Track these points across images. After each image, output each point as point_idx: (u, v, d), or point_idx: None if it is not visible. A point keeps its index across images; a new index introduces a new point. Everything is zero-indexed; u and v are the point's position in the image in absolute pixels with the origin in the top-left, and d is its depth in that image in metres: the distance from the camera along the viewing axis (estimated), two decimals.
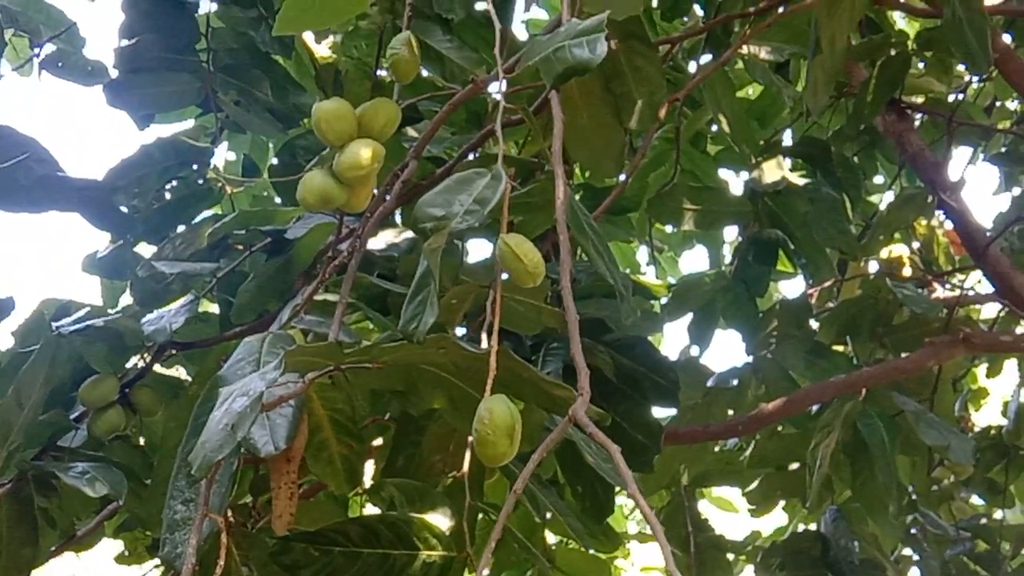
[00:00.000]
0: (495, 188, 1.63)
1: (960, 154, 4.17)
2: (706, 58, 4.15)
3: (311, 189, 1.89)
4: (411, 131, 3.17)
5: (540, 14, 4.97)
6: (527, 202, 1.96)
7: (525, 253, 1.60)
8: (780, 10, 2.99)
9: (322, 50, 4.35)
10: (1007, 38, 4.23)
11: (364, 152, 1.88)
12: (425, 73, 3.27)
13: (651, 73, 2.32)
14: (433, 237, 1.60)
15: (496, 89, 2.04)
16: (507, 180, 1.63)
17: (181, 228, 2.88)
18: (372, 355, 1.62)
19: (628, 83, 2.32)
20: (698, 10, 4.38)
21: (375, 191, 2.10)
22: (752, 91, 4.66)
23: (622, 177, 3.33)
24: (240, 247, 2.60)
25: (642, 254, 5.54)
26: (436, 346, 1.62)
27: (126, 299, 3.04)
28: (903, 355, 3.38)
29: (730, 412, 3.58)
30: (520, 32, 5.11)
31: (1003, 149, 4.10)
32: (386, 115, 1.95)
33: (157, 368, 2.57)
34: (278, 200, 3.10)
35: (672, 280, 6.05)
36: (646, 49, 2.33)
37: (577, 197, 3.98)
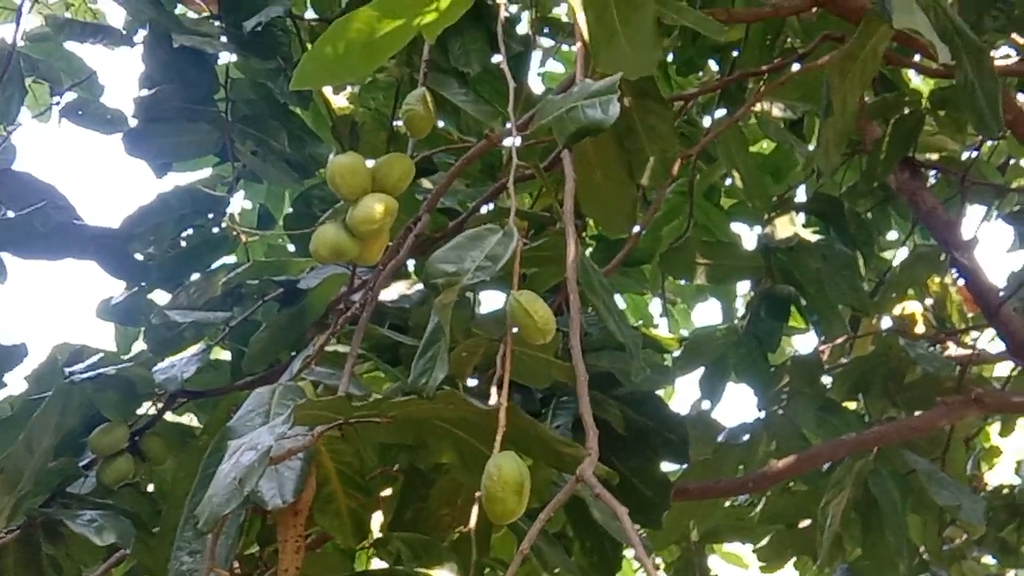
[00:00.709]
0: (507, 245, 1.64)
1: (974, 212, 4.16)
2: (720, 113, 4.19)
3: (324, 242, 1.91)
4: (426, 183, 3.19)
5: (556, 67, 5.01)
6: (539, 255, 1.97)
7: (536, 310, 1.61)
8: (795, 67, 3.02)
9: (340, 101, 4.39)
10: (1022, 98, 4.25)
11: (377, 207, 1.89)
12: (441, 124, 3.31)
13: (664, 131, 2.33)
14: (444, 293, 1.61)
15: (510, 143, 2.05)
16: (519, 237, 1.65)
17: (196, 276, 2.90)
18: (381, 409, 1.63)
19: (641, 141, 2.33)
20: (713, 65, 4.42)
21: (388, 243, 2.12)
22: (766, 145, 4.68)
23: (636, 229, 3.35)
24: (254, 296, 2.62)
25: (655, 306, 5.55)
26: (445, 402, 1.63)
27: (140, 345, 3.05)
28: (915, 414, 3.37)
29: (741, 468, 3.57)
30: (536, 85, 5.16)
31: (1017, 208, 4.11)
32: (400, 170, 1.97)
33: (168, 416, 2.58)
34: (292, 249, 3.12)
35: (685, 333, 6.06)
36: (659, 107, 2.34)
37: (591, 249, 4.03)
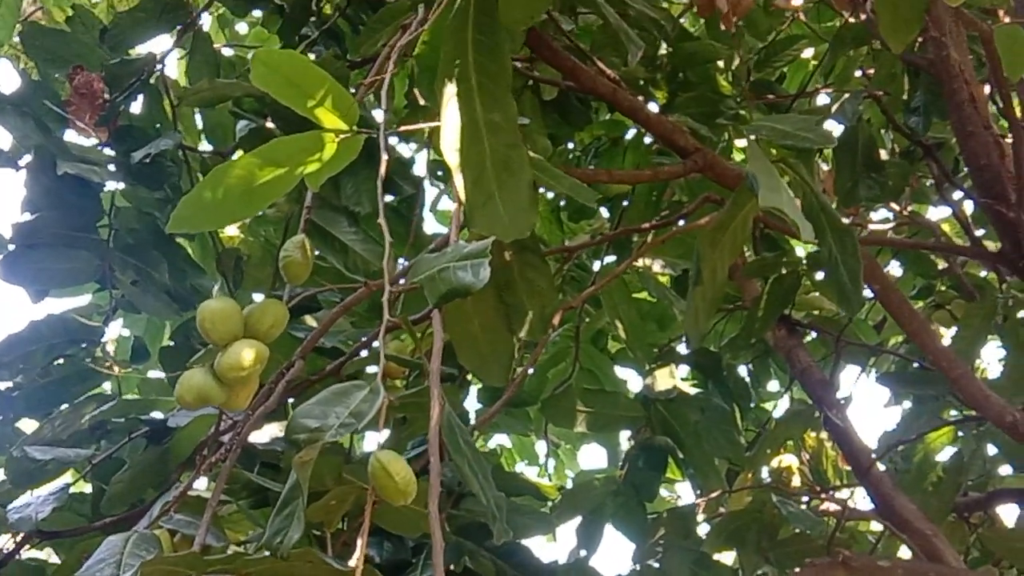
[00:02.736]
0: (372, 402, 1.64)
1: (850, 369, 4.26)
2: (609, 259, 4.27)
3: (189, 388, 1.88)
4: (310, 320, 3.18)
5: (451, 205, 5.07)
6: (416, 402, 1.96)
7: (396, 471, 1.60)
8: (681, 223, 3.10)
9: (231, 229, 4.38)
10: (896, 265, 4.42)
11: (247, 354, 1.88)
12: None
13: (543, 286, 2.36)
14: (305, 450, 1.59)
15: (396, 287, 2.05)
16: (385, 394, 1.64)
17: (64, 407, 2.83)
18: (235, 566, 1.59)
19: (520, 294, 2.36)
20: (604, 212, 4.52)
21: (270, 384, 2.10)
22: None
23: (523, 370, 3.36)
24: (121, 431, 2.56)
25: (542, 446, 5.55)
26: (302, 560, 1.60)
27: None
28: (786, 572, 3.39)
29: None
30: (431, 223, 5.20)
31: (892, 368, 4.22)
32: (274, 316, 1.96)
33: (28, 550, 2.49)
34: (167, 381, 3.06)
35: (570, 473, 6.06)
36: (539, 262, 2.38)
37: (476, 389, 4.02)
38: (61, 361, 2.85)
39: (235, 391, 1.92)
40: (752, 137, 2.04)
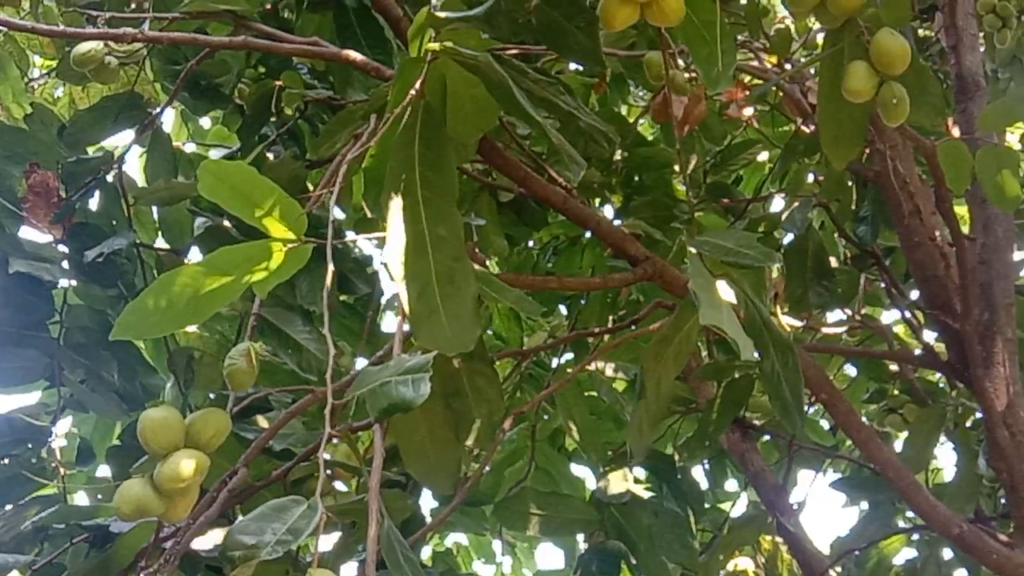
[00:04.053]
0: (310, 518, 1.62)
1: (805, 472, 4.26)
2: (568, 356, 4.28)
3: (127, 499, 1.86)
4: (261, 420, 3.16)
5: None
6: (360, 508, 1.95)
7: None
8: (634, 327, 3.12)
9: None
10: (851, 369, 4.45)
11: (186, 464, 1.86)
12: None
13: (491, 394, 2.37)
14: (240, 567, 1.57)
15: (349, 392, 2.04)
16: (323, 510, 1.63)
17: (8, 507, 2.79)
18: None
19: (468, 402, 2.36)
20: (562, 310, 4.55)
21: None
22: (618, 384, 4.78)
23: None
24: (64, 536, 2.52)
25: (498, 544, 5.51)
26: None
27: None
28: None
29: None
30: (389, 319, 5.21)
31: (846, 472, 4.23)
32: (216, 426, 1.94)
33: None
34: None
35: (527, 572, 6.00)
36: (487, 369, 2.38)
37: None
38: (6, 461, 2.82)
39: (174, 502, 1.90)
40: (694, 252, 2.07)
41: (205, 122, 5.13)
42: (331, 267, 1.93)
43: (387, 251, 1.85)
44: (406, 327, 1.98)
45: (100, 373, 2.99)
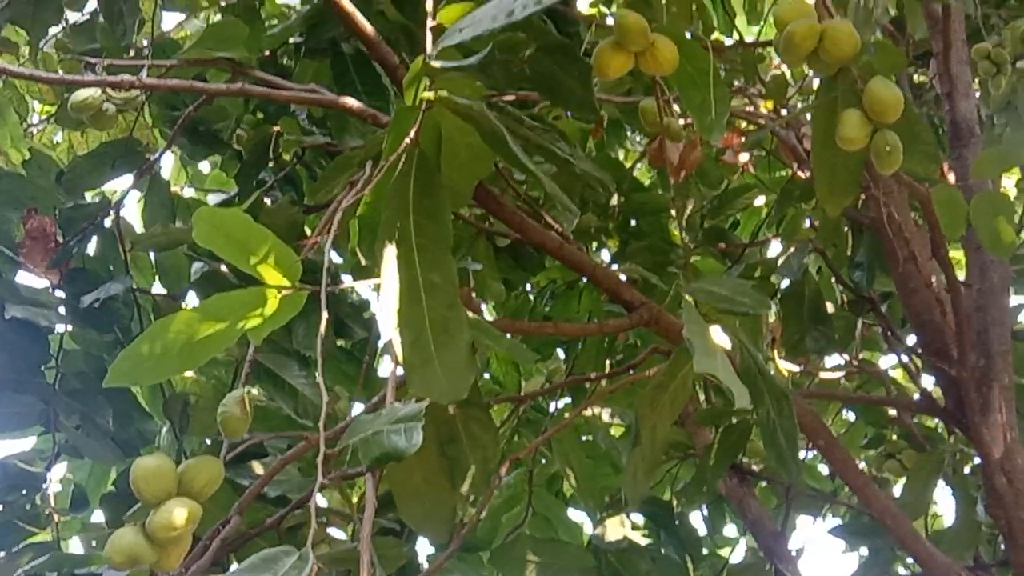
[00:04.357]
0: (300, 569, 1.61)
1: (804, 517, 4.24)
2: (565, 400, 4.27)
3: (118, 548, 1.84)
4: (256, 466, 3.15)
5: None
6: (354, 557, 1.94)
7: None
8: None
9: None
10: (849, 414, 4.44)
11: (179, 513, 1.85)
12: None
13: (486, 440, 2.35)
14: None
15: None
16: (313, 562, 1.62)
17: (1, 554, 2.77)
18: None
19: (463, 448, 2.34)
20: (560, 353, 4.54)
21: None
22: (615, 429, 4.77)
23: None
24: None
25: None
26: None
27: None
28: None
29: None
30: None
31: (845, 518, 4.21)
32: (208, 475, 1.93)
33: None
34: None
35: None
36: (483, 415, 2.37)
37: None
38: (0, 508, 2.81)
39: (167, 551, 1.89)
40: (689, 299, 2.07)
41: (204, 166, 5.16)
42: (325, 314, 1.92)
43: (381, 299, 1.85)
44: (399, 373, 1.98)
45: (95, 418, 2.98)
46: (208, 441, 3.35)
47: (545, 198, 3.16)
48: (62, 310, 3.08)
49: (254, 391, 3.53)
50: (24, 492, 2.84)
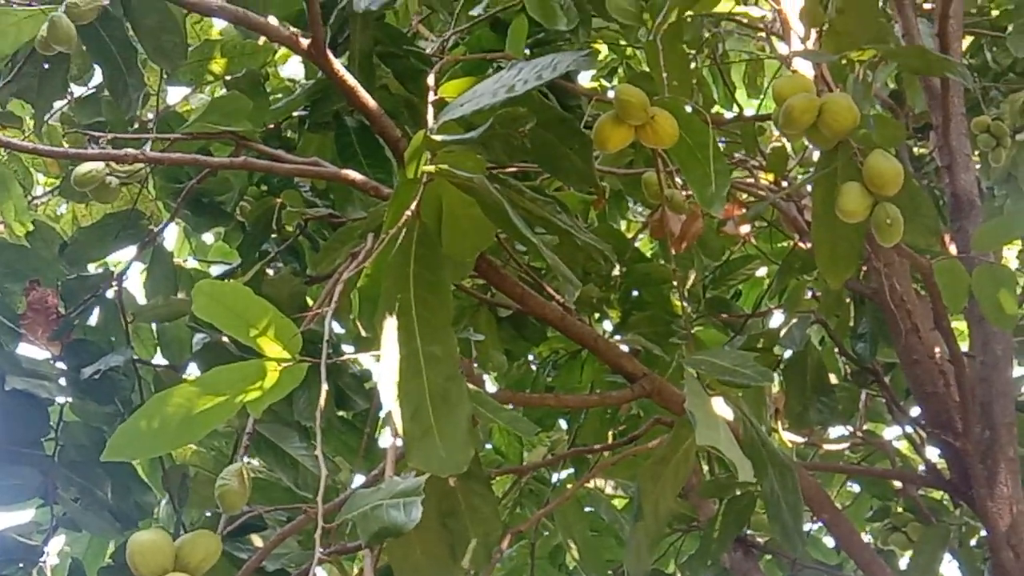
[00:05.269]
0: None
1: None
2: (568, 471, 4.24)
3: None
4: (256, 539, 3.12)
5: None
6: None
7: None
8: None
9: None
10: (855, 486, 4.41)
11: None
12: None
13: (487, 513, 2.33)
14: None
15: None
16: None
17: None
18: None
19: (464, 521, 2.32)
20: (563, 424, 4.52)
21: None
22: (617, 502, 4.73)
23: None
24: None
25: None
26: None
27: None
28: None
29: None
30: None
31: None
32: (205, 550, 1.91)
33: None
34: None
35: None
36: (483, 488, 2.35)
37: None
38: None
39: None
40: (692, 371, 2.06)
41: (208, 237, 5.18)
42: (324, 387, 1.92)
43: (381, 371, 1.85)
44: (399, 445, 1.97)
45: (94, 491, 2.96)
46: (208, 513, 3.32)
47: (547, 269, 3.17)
48: (63, 381, 3.08)
49: (255, 462, 3.51)
50: (21, 565, 2.82)
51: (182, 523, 3.12)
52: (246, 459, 3.16)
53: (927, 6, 4.10)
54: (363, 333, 2.01)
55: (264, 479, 3.37)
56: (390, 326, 1.86)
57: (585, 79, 4.92)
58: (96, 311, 3.29)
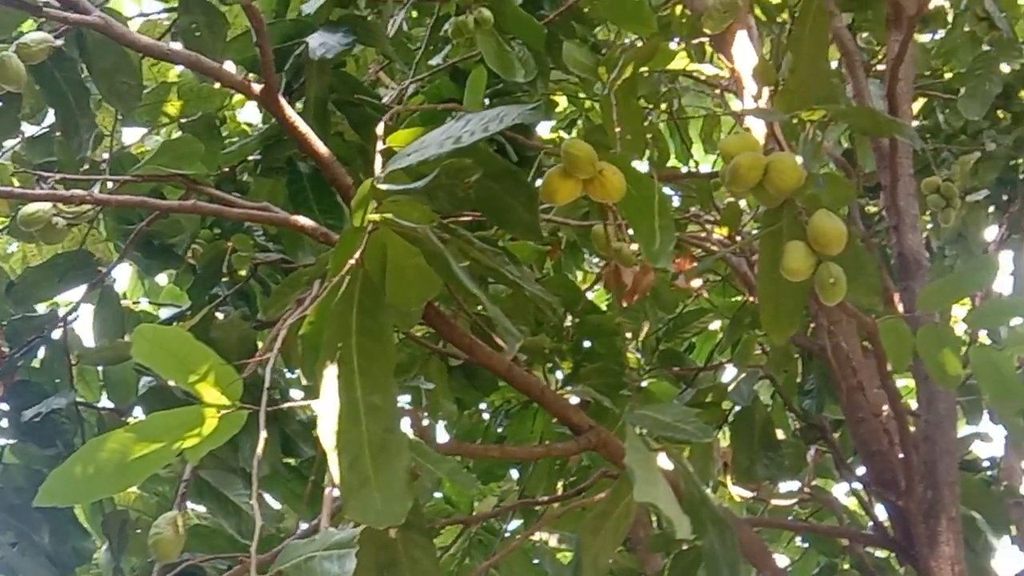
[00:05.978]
0: None
1: None
2: (517, 522, 4.22)
3: None
4: None
5: None
6: None
7: None
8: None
9: None
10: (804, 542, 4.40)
11: None
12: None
13: (427, 565, 2.30)
14: None
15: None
16: None
17: None
18: None
19: (403, 573, 2.30)
20: (514, 474, 4.51)
21: None
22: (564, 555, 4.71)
23: None
24: None
25: None
26: None
27: None
28: None
29: None
30: None
31: None
32: None
33: None
34: None
35: None
36: (424, 540, 2.33)
37: None
38: None
39: None
40: (634, 427, 2.06)
41: (162, 279, 5.14)
42: (263, 434, 1.90)
43: (319, 420, 1.83)
44: (336, 494, 1.95)
45: (32, 536, 2.91)
46: (149, 560, 3.27)
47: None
48: (4, 423, 3.04)
49: (200, 508, 3.47)
50: None
51: (120, 570, 3.07)
52: (190, 506, 3.13)
53: (879, 68, 4.16)
54: (304, 380, 2.00)
55: (206, 526, 3.33)
56: (330, 374, 1.85)
57: (545, 130, 4.95)
58: (41, 352, 3.25)
